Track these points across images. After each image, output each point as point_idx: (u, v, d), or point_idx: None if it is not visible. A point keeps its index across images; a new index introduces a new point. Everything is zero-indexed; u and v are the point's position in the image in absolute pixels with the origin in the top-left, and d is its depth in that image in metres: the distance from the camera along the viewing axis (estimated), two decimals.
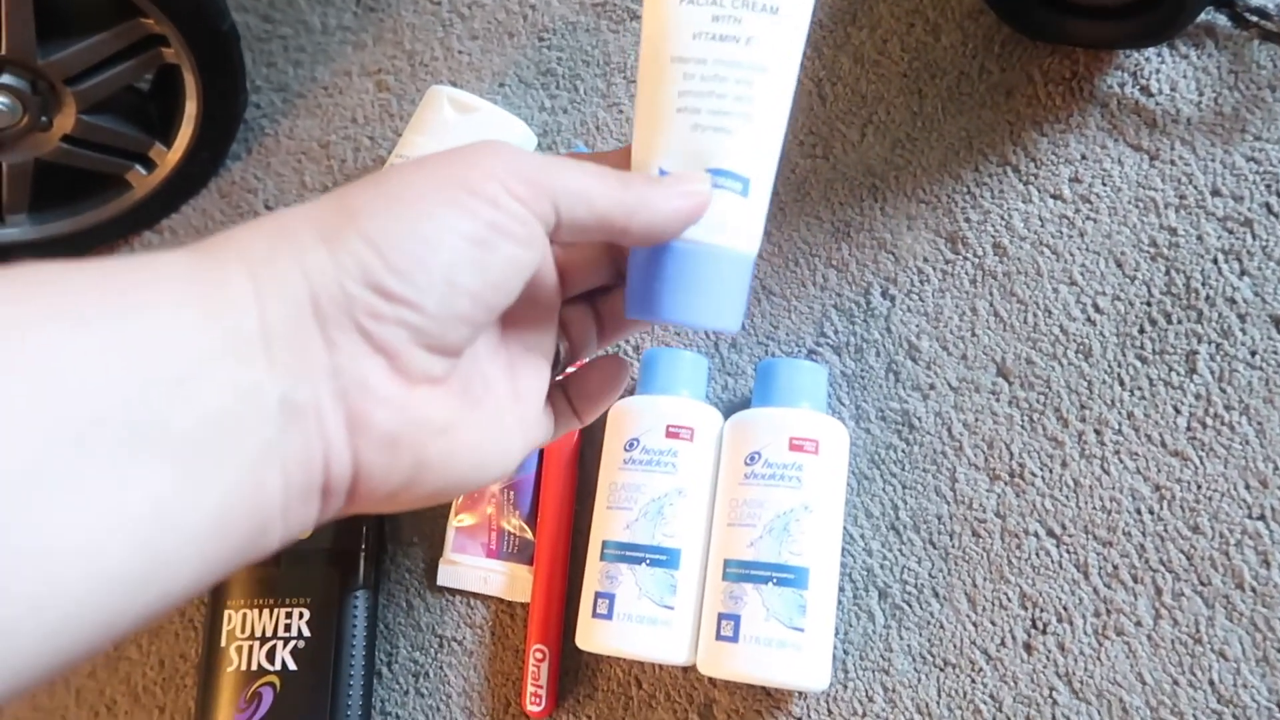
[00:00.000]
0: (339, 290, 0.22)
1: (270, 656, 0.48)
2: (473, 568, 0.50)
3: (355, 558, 0.50)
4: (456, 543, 0.50)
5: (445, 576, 0.50)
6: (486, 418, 0.26)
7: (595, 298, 0.34)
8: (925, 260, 0.49)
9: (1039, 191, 0.49)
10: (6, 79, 0.54)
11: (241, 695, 0.47)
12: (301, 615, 0.48)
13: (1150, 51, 0.48)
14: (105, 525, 0.18)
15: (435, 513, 0.52)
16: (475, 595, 0.51)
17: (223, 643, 0.49)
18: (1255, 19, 0.45)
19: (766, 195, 0.37)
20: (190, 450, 0.20)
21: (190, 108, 0.60)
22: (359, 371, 0.22)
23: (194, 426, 0.20)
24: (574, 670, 0.48)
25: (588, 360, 0.33)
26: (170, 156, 0.62)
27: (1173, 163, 0.47)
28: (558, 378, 0.32)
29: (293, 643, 0.48)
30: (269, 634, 0.48)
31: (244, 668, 0.48)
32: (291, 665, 0.48)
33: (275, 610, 0.49)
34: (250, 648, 0.48)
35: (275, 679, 0.48)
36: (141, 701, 0.54)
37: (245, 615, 0.49)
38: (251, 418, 0.21)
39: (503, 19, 0.62)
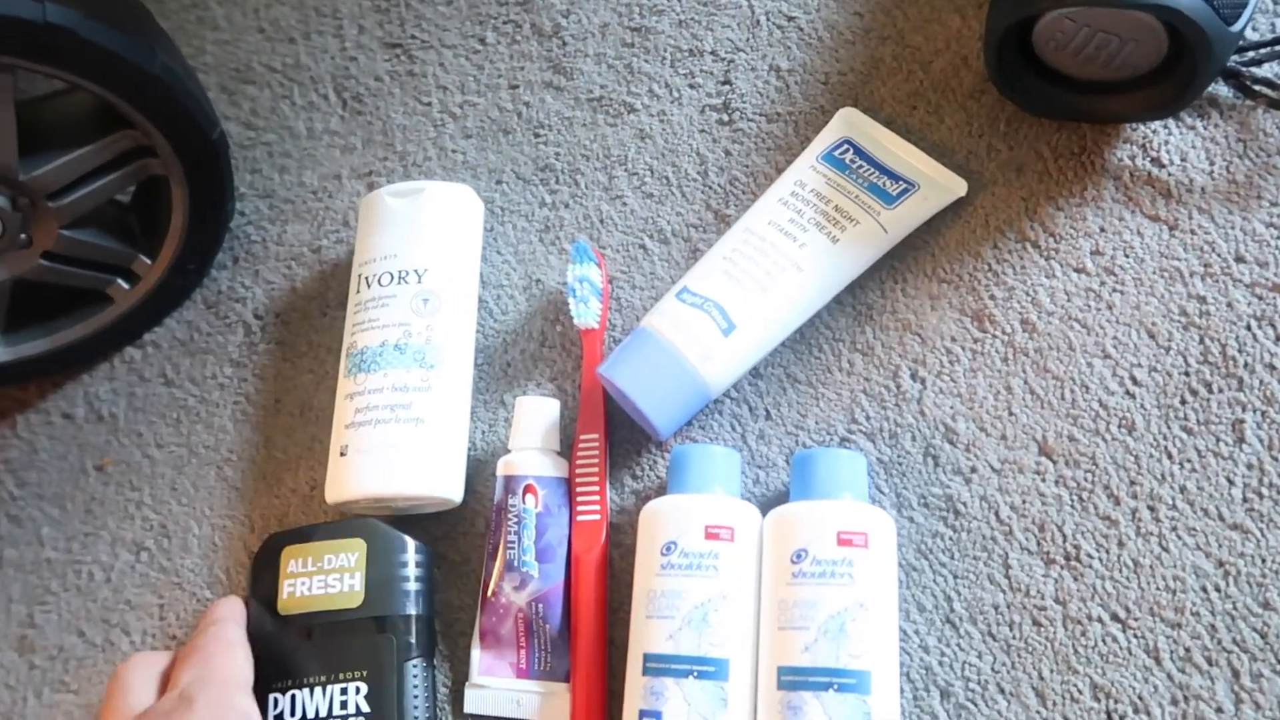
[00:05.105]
0: None
1: None
2: (503, 690, 0.46)
3: (408, 622, 0.46)
4: (483, 664, 0.47)
5: (473, 702, 0.47)
6: None
7: None
8: (953, 340, 0.48)
9: (1061, 266, 0.48)
10: None
11: None
12: (358, 690, 0.44)
13: (1157, 124, 0.49)
14: None
15: (455, 631, 0.49)
16: None
17: None
18: (1262, 89, 0.46)
19: (747, 354, 0.47)
20: None
21: (177, 219, 0.58)
22: None
23: None
24: None
25: None
26: (154, 269, 0.59)
27: (1193, 232, 0.47)
28: None
29: None
30: (322, 715, 0.44)
31: None
32: None
33: (328, 688, 0.44)
34: None
35: None
36: None
37: (294, 697, 0.44)
38: None
39: (496, 116, 0.61)
